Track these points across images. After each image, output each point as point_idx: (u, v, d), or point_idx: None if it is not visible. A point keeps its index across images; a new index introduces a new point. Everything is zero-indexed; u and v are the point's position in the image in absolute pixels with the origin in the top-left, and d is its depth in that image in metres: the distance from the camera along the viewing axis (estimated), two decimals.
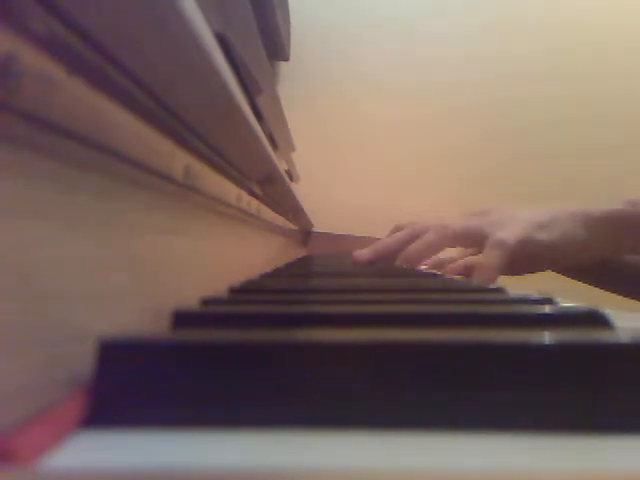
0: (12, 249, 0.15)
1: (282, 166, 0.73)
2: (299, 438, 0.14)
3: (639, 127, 1.61)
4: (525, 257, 0.61)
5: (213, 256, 0.41)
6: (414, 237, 0.66)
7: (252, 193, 0.56)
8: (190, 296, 0.30)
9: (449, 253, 0.76)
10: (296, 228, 1.20)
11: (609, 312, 0.23)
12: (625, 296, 0.77)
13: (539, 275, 0.84)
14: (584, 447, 0.14)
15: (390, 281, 0.48)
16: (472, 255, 0.72)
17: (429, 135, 1.60)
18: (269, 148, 0.48)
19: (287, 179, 0.67)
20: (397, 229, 0.83)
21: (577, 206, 0.64)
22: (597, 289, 0.82)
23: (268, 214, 0.70)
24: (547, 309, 0.25)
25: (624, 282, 0.77)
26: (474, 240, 0.63)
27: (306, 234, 1.49)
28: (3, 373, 0.13)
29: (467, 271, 0.67)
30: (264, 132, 0.51)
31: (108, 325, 0.20)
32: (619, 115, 1.60)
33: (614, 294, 0.78)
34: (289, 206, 0.87)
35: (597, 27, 1.61)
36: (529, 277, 0.78)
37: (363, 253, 0.68)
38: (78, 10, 0.16)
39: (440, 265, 0.74)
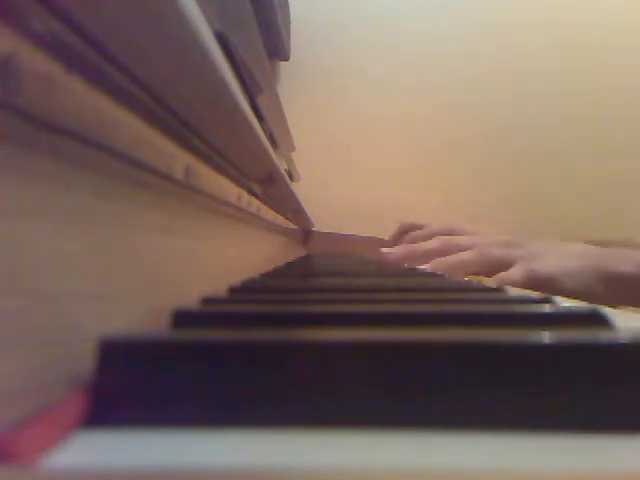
0: (12, 249, 0.15)
1: (282, 166, 0.73)
2: (299, 438, 0.14)
3: None
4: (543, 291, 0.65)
5: (213, 256, 0.41)
6: (447, 251, 0.68)
7: (252, 193, 0.56)
8: (190, 296, 0.30)
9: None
10: (296, 227, 1.20)
11: (609, 312, 0.23)
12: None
13: None
14: (584, 447, 0.14)
15: (390, 280, 0.48)
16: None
17: (430, 134, 1.60)
18: (269, 148, 0.47)
19: (287, 179, 0.67)
20: (402, 229, 0.85)
21: (598, 256, 0.67)
22: None
23: (268, 214, 0.70)
24: (547, 309, 0.25)
25: None
26: (503, 268, 0.65)
27: (306, 234, 1.49)
28: (3, 373, 0.13)
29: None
30: (264, 132, 0.51)
31: (108, 325, 0.20)
32: (621, 113, 1.60)
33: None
34: (289, 206, 0.87)
35: (599, 24, 1.60)
36: None
37: (393, 253, 0.71)
38: (78, 10, 0.16)
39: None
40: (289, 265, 0.78)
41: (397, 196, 1.56)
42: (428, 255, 0.71)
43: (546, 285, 0.64)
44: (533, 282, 0.63)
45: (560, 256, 0.67)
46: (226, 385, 0.15)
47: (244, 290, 0.37)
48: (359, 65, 1.58)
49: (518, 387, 0.15)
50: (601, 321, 0.23)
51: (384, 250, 0.73)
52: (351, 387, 0.15)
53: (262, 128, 0.47)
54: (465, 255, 0.67)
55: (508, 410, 0.15)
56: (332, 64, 1.57)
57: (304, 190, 1.24)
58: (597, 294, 0.66)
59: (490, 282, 0.62)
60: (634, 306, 0.71)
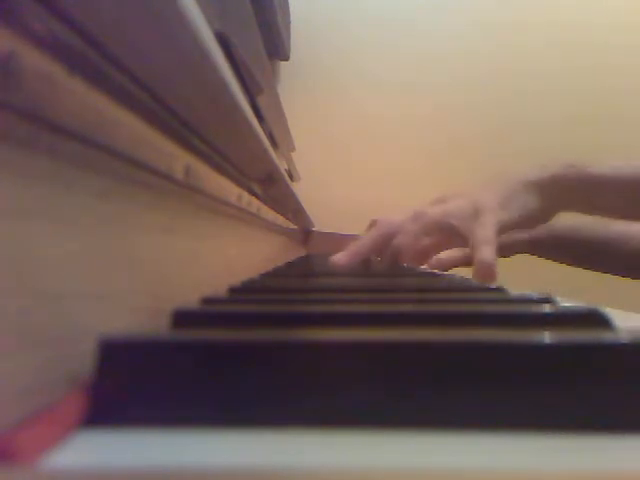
0: (12, 249, 0.15)
1: (282, 166, 0.73)
2: (299, 438, 0.14)
3: None
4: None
5: (213, 256, 0.41)
6: (391, 233, 0.67)
7: (252, 193, 0.56)
8: (190, 296, 0.30)
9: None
10: (296, 227, 1.20)
11: (609, 312, 0.23)
12: (578, 266, 0.81)
13: (539, 275, 0.84)
14: (584, 447, 0.14)
15: (390, 280, 0.48)
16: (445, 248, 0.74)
17: (430, 133, 1.60)
18: (269, 148, 0.47)
19: (287, 179, 0.67)
20: (372, 225, 0.84)
21: (523, 174, 0.68)
22: (598, 289, 0.83)
23: (268, 214, 0.70)
24: (547, 309, 0.25)
25: (579, 254, 0.81)
26: (448, 226, 0.65)
27: (306, 233, 1.49)
28: (3, 373, 0.13)
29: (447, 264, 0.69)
30: (264, 131, 0.51)
31: (108, 325, 0.20)
32: (621, 113, 1.60)
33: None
34: (289, 206, 0.87)
35: (599, 24, 1.60)
36: (529, 277, 0.78)
37: (340, 257, 0.68)
38: (78, 10, 0.16)
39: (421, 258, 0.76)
40: (289, 265, 0.78)
41: (397, 196, 1.56)
42: (373, 246, 0.68)
43: (501, 232, 0.64)
44: (496, 245, 0.63)
45: (488, 197, 0.67)
46: (226, 385, 0.15)
47: (244, 290, 0.37)
48: (359, 65, 1.58)
49: (518, 387, 0.15)
50: (601, 321, 0.23)
51: (333, 257, 0.72)
52: (351, 387, 0.15)
53: (262, 128, 0.46)
54: (408, 229, 0.65)
55: (508, 410, 0.15)
56: (332, 64, 1.57)
57: (304, 190, 1.24)
58: (535, 208, 0.66)
59: (474, 271, 0.62)
60: (570, 210, 0.71)
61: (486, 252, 0.61)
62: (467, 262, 0.69)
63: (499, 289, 0.38)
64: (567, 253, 0.84)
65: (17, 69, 0.14)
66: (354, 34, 1.58)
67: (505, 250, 0.77)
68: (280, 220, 0.85)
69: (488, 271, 0.60)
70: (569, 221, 0.73)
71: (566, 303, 0.30)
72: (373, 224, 0.80)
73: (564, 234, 0.83)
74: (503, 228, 0.64)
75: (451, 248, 0.76)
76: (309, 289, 0.40)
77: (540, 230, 0.82)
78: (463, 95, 1.60)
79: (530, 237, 0.84)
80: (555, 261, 0.86)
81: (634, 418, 0.15)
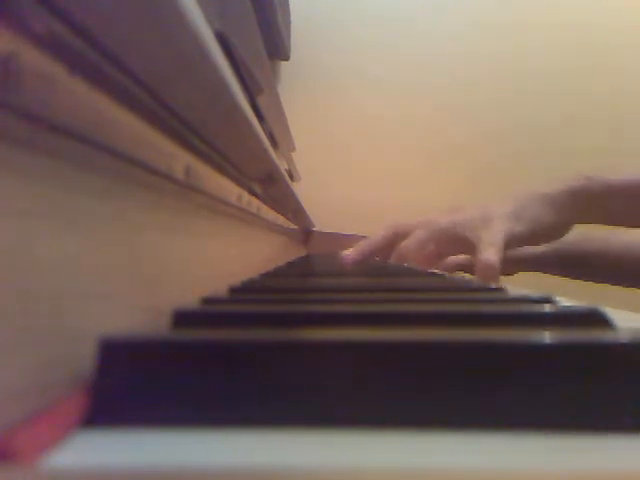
0: (12, 249, 0.15)
1: (282, 165, 0.73)
2: (299, 438, 0.14)
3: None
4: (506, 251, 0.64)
5: (213, 255, 0.41)
6: (399, 235, 0.68)
7: (253, 193, 0.56)
8: (190, 296, 0.30)
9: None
10: (296, 227, 1.20)
11: (609, 312, 0.23)
12: (586, 280, 0.80)
13: (539, 275, 0.84)
14: (584, 447, 0.14)
15: (390, 280, 0.48)
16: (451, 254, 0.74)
17: (430, 133, 1.60)
18: (269, 148, 0.47)
19: (287, 178, 0.67)
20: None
21: (539, 188, 0.67)
22: (598, 289, 0.83)
23: (269, 213, 0.70)
24: (547, 308, 0.25)
25: (589, 270, 0.79)
26: (458, 236, 0.65)
27: (306, 233, 1.49)
28: (3, 373, 0.13)
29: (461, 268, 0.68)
30: (264, 131, 0.51)
31: (108, 325, 0.20)
32: (621, 113, 1.60)
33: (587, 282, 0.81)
34: (290, 205, 0.86)
35: (599, 24, 1.61)
36: (529, 277, 0.78)
37: (349, 254, 0.70)
38: (78, 10, 0.16)
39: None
40: (289, 265, 0.78)
41: (397, 196, 1.56)
42: (380, 246, 0.70)
43: (509, 245, 0.63)
44: (502, 252, 0.62)
45: (500, 208, 0.66)
46: (226, 385, 0.15)
47: (244, 290, 0.37)
48: (359, 65, 1.58)
49: (518, 387, 0.15)
50: (601, 321, 0.23)
51: (341, 254, 0.73)
52: (351, 387, 0.15)
53: (262, 128, 0.46)
54: (417, 235, 0.66)
55: (508, 410, 0.15)
56: (332, 64, 1.57)
57: (304, 190, 1.24)
58: (550, 222, 0.65)
59: (476, 274, 0.62)
60: (588, 222, 0.69)
61: (489, 252, 0.61)
62: (472, 267, 0.69)
63: (499, 289, 0.38)
64: (576, 269, 0.82)
65: (17, 69, 0.14)
66: (354, 34, 1.58)
67: (509, 266, 0.76)
68: (280, 220, 0.85)
69: (490, 271, 0.59)
70: (571, 236, 0.71)
71: (566, 303, 0.30)
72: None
73: (571, 249, 0.81)
74: (513, 239, 0.63)
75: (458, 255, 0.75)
76: (309, 289, 0.40)
77: (546, 247, 0.80)
78: (463, 95, 1.60)
79: (536, 254, 0.82)
80: (564, 277, 0.85)
81: (634, 418, 0.15)
